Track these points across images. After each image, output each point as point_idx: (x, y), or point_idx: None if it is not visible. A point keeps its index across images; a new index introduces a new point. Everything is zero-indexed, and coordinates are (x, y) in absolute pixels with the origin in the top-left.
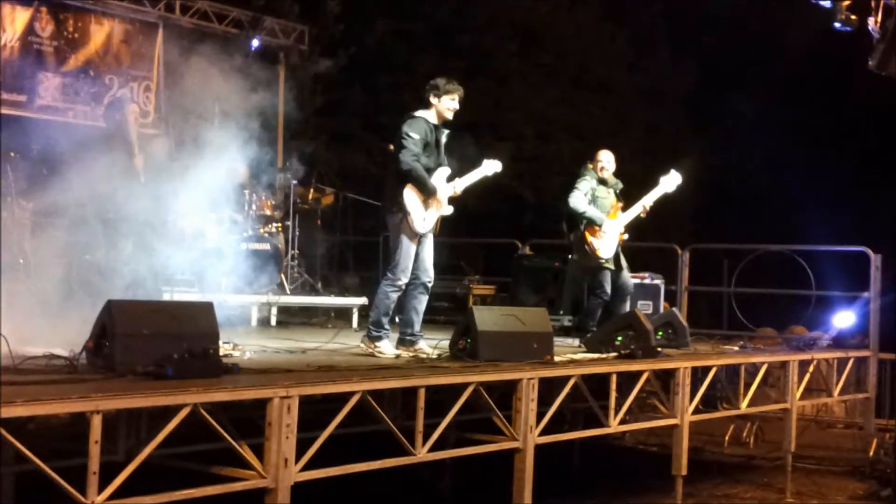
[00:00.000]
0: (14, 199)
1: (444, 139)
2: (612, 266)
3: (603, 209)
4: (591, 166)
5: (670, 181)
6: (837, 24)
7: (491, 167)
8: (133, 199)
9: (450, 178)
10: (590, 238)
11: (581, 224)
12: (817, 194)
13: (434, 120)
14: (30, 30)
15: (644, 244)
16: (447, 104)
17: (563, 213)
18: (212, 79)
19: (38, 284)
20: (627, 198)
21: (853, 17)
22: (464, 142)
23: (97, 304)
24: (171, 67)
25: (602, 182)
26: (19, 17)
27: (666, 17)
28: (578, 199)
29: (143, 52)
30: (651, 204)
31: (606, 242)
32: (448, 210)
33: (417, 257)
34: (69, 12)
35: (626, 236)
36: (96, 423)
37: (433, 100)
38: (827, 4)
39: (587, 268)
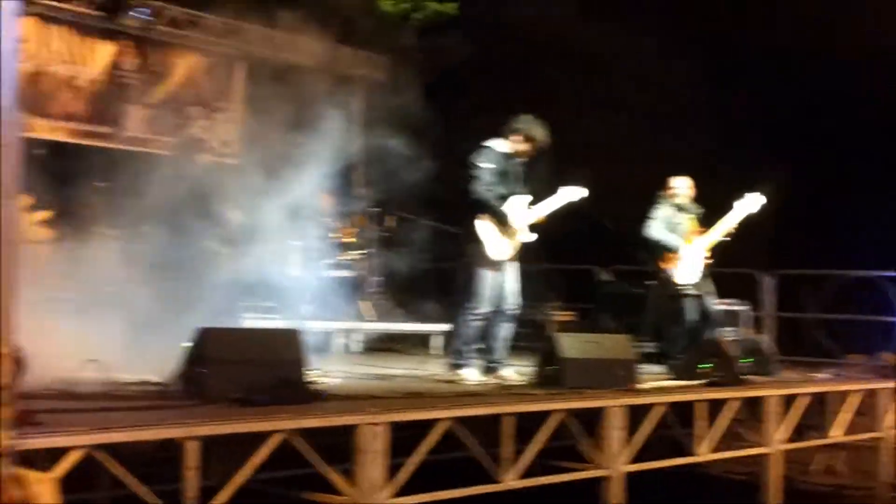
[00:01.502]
0: (104, 229)
1: (519, 168)
2: (694, 292)
3: (681, 235)
4: (664, 194)
5: (749, 204)
6: None
7: (575, 193)
8: (218, 228)
9: (529, 206)
10: (668, 265)
11: (660, 251)
12: None
13: (507, 150)
14: (115, 63)
15: (727, 270)
16: (519, 146)
17: (641, 242)
18: (292, 110)
19: (129, 312)
20: (709, 221)
21: None
22: (543, 168)
23: (189, 331)
24: (252, 99)
25: (679, 208)
26: (105, 51)
27: (738, 39)
28: (653, 228)
29: (224, 84)
30: (733, 227)
31: (687, 268)
32: (529, 237)
33: (500, 285)
34: (153, 46)
35: (710, 260)
36: (191, 449)
37: (512, 134)
38: None
39: (669, 294)
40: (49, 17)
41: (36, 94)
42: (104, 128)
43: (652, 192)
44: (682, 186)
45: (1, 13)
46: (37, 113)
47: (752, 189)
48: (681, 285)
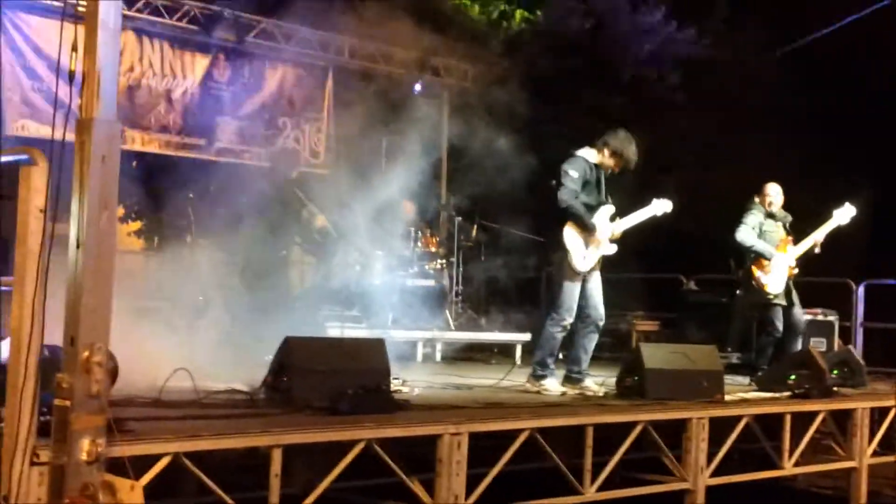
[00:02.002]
0: (194, 239)
1: (605, 178)
2: (782, 301)
3: (771, 243)
4: (758, 200)
5: (844, 214)
6: None
7: (660, 207)
8: (303, 240)
9: (613, 217)
10: (758, 273)
11: (749, 259)
12: None
13: (594, 160)
14: (209, 76)
15: (816, 279)
16: (609, 161)
17: (731, 248)
18: (379, 119)
19: (218, 321)
20: (798, 231)
21: None
22: (627, 179)
23: (273, 339)
24: (340, 109)
25: (770, 216)
26: (199, 64)
27: (840, 49)
28: (746, 233)
29: (313, 95)
30: (823, 238)
31: (775, 277)
32: (611, 249)
33: (585, 295)
34: (245, 58)
35: (796, 270)
36: (276, 456)
37: (601, 146)
38: None
39: (756, 304)
40: (145, 31)
41: (131, 106)
42: (197, 139)
43: (742, 198)
44: (775, 193)
45: (100, 28)
46: (132, 125)
47: (843, 199)
48: (770, 294)
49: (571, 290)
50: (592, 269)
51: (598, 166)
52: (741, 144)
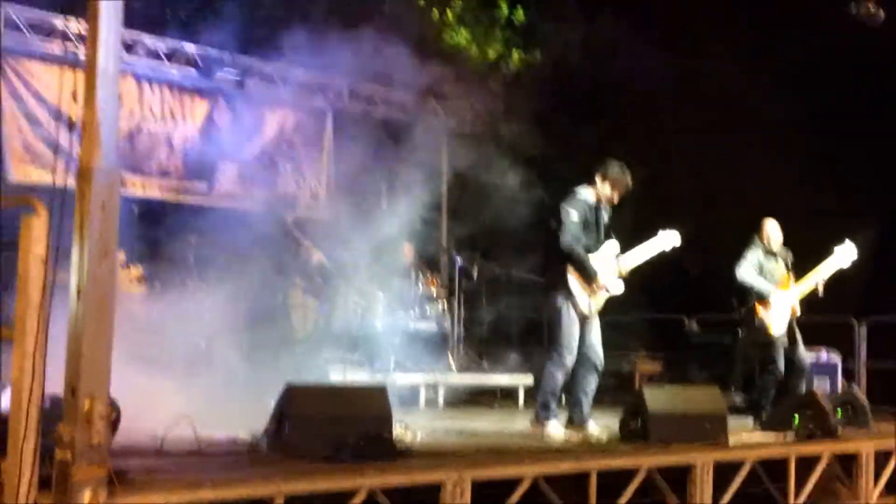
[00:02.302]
0: (195, 283)
1: (606, 217)
2: (784, 341)
3: (772, 281)
4: (757, 237)
5: (846, 255)
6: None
7: (668, 240)
8: (304, 283)
9: (618, 254)
10: (760, 312)
11: (751, 297)
12: None
13: (593, 199)
14: (209, 119)
15: (817, 317)
16: (606, 191)
17: (733, 287)
18: (379, 161)
19: (219, 367)
20: (800, 268)
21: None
22: (629, 219)
23: (274, 385)
24: (340, 151)
25: (770, 253)
26: (199, 108)
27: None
28: (746, 271)
29: (313, 137)
30: (826, 277)
31: (777, 316)
32: (618, 288)
33: (584, 338)
34: (245, 102)
35: (798, 311)
36: None
37: (597, 179)
38: None
39: (758, 343)
40: (145, 76)
41: (132, 151)
42: (198, 184)
43: (745, 236)
44: (773, 229)
45: (99, 76)
46: (132, 170)
47: (846, 236)
48: (772, 334)
49: (572, 332)
50: (594, 311)
51: (597, 206)
52: (744, 181)
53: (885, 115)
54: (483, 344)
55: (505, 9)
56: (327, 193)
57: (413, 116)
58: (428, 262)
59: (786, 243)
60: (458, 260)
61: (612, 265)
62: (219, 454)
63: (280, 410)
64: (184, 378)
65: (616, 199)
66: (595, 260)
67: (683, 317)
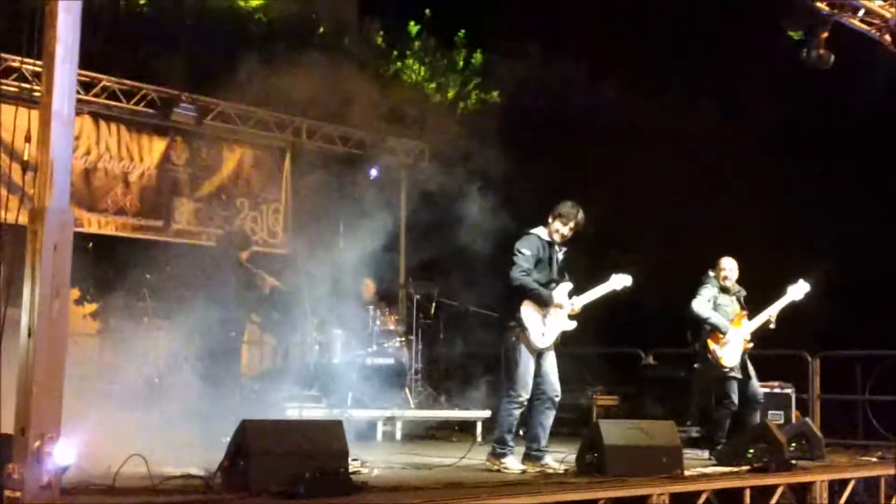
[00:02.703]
0: (150, 320)
1: (560, 256)
2: (738, 375)
3: (726, 316)
4: (712, 273)
5: (798, 290)
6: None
7: (620, 281)
8: (262, 320)
9: (571, 294)
10: (713, 346)
11: (704, 332)
12: None
13: (546, 237)
14: (166, 157)
15: (772, 351)
16: (558, 226)
17: (688, 321)
18: (337, 198)
19: (173, 404)
20: (753, 304)
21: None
22: (585, 257)
23: (228, 421)
24: (298, 188)
25: (724, 289)
26: (156, 147)
27: (794, 123)
28: (701, 306)
29: (271, 175)
30: (777, 313)
31: (730, 351)
32: (570, 325)
33: (540, 372)
34: (202, 140)
35: (751, 345)
36: None
37: (550, 219)
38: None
39: (712, 377)
40: (102, 115)
41: (88, 189)
42: (154, 221)
43: (700, 272)
44: (730, 267)
45: (54, 119)
46: (88, 208)
47: (800, 273)
48: (725, 367)
49: (527, 367)
50: (549, 346)
51: (551, 245)
52: (700, 219)
53: (841, 152)
54: (441, 379)
55: (463, 53)
56: (285, 230)
57: (371, 153)
58: (386, 298)
59: (742, 278)
60: (416, 295)
61: (566, 304)
62: (172, 491)
63: (235, 446)
64: (138, 414)
65: (568, 236)
66: (552, 292)
67: (640, 351)
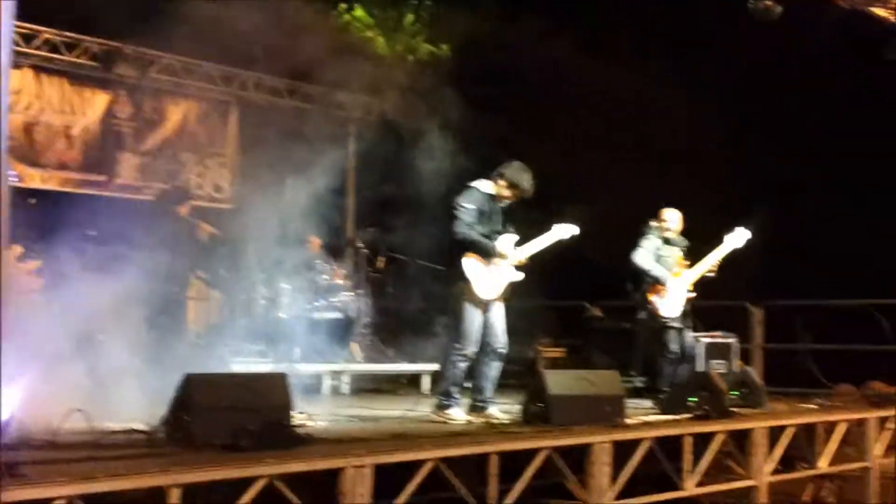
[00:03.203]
0: (94, 277)
1: (502, 209)
2: (678, 325)
3: (668, 267)
4: (655, 224)
5: (736, 238)
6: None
7: (564, 231)
8: (208, 276)
9: (517, 245)
10: (653, 298)
11: (646, 283)
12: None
13: (491, 191)
14: (109, 112)
15: (715, 302)
16: (506, 192)
17: (628, 273)
18: (284, 153)
19: (117, 359)
20: (695, 256)
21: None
22: (531, 209)
23: (174, 377)
24: (244, 143)
25: (666, 241)
26: (99, 100)
27: (733, 77)
28: (643, 257)
29: (217, 129)
30: (717, 262)
31: (671, 302)
32: (517, 276)
33: (486, 324)
34: (146, 94)
35: (693, 295)
36: (175, 496)
37: (497, 178)
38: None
39: (654, 328)
40: (43, 68)
41: (30, 144)
42: (97, 176)
43: (639, 225)
44: (672, 219)
45: None
46: (30, 163)
47: (739, 223)
48: (665, 318)
49: (473, 320)
50: (496, 298)
51: (493, 198)
52: (644, 171)
53: (781, 103)
54: (388, 333)
55: (412, 7)
56: (231, 184)
57: (320, 108)
58: (333, 252)
59: (686, 230)
60: (364, 250)
61: (511, 255)
62: (115, 446)
63: (178, 400)
64: (80, 370)
65: (513, 200)
66: (496, 243)
67: (585, 303)
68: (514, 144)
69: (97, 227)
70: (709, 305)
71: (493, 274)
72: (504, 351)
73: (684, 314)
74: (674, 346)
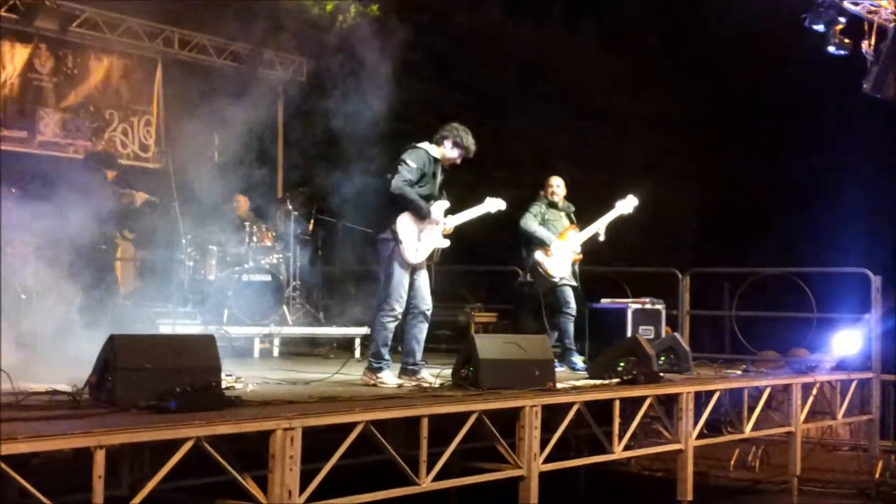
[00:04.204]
0: (16, 236)
1: (441, 174)
2: (571, 282)
3: (554, 231)
4: (542, 192)
5: (626, 205)
6: (832, 48)
7: (494, 204)
8: (135, 236)
9: (447, 213)
10: (541, 258)
11: (534, 246)
12: (821, 216)
13: (435, 154)
14: (30, 66)
15: (644, 269)
16: (450, 153)
17: (520, 237)
18: (210, 112)
19: (40, 320)
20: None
21: (847, 40)
22: (464, 175)
23: (99, 338)
24: (170, 101)
25: (552, 205)
26: (19, 54)
27: (668, 43)
28: (527, 221)
29: (142, 86)
30: (606, 226)
31: (558, 262)
32: (443, 244)
33: (413, 286)
34: (68, 49)
35: (580, 256)
36: (99, 458)
37: (443, 140)
38: (821, 29)
39: (546, 288)
40: None
41: None
42: (18, 132)
43: (578, 193)
44: (557, 185)
45: None
46: None
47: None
48: (554, 277)
49: (401, 281)
50: (423, 262)
51: (436, 161)
52: (580, 141)
53: (712, 76)
54: (319, 296)
55: None
56: (157, 143)
57: (248, 67)
58: (262, 214)
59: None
60: (294, 212)
61: (440, 222)
62: (37, 407)
63: (103, 361)
64: (3, 331)
65: (456, 161)
66: (431, 207)
67: (518, 269)
68: (445, 108)
69: (19, 185)
70: (637, 272)
71: (424, 237)
72: (430, 312)
73: (573, 274)
74: (573, 302)
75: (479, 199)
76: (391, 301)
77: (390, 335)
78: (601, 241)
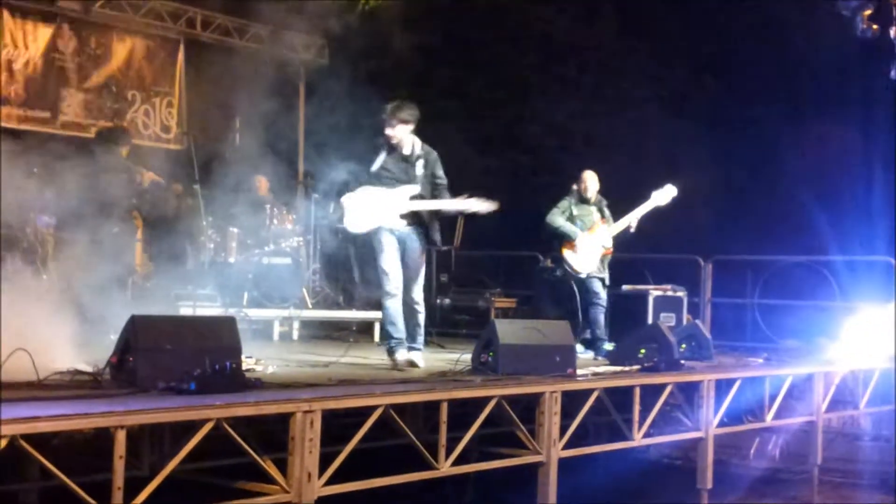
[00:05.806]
0: (37, 216)
1: (420, 165)
2: (598, 275)
3: (584, 226)
4: (574, 187)
5: (664, 195)
6: (859, 32)
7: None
8: (153, 214)
9: (416, 198)
10: (567, 253)
11: (559, 239)
12: (845, 203)
13: (391, 140)
14: (52, 46)
15: (666, 256)
16: (391, 132)
17: (548, 232)
18: (232, 94)
19: (62, 300)
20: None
21: (874, 25)
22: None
23: (121, 319)
24: (192, 83)
25: (584, 200)
26: (41, 34)
27: (686, 30)
28: (552, 217)
29: (164, 67)
30: (639, 219)
31: (584, 256)
32: (400, 225)
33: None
34: (91, 29)
35: (610, 250)
36: (120, 438)
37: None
38: (848, 13)
39: (573, 281)
40: None
41: None
42: (41, 112)
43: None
44: (589, 180)
45: None
46: None
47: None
48: (580, 272)
49: (385, 259)
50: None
51: (392, 147)
52: (603, 126)
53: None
54: (339, 279)
55: None
56: (179, 124)
57: (270, 49)
58: (284, 198)
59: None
60: (315, 195)
61: (403, 205)
62: (59, 386)
63: (124, 342)
64: (24, 310)
65: (389, 137)
66: (380, 195)
67: (538, 254)
68: (470, 91)
69: (41, 164)
70: (660, 259)
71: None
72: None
73: (599, 268)
74: (602, 293)
75: (500, 184)
76: (384, 280)
77: (393, 314)
78: (632, 233)
